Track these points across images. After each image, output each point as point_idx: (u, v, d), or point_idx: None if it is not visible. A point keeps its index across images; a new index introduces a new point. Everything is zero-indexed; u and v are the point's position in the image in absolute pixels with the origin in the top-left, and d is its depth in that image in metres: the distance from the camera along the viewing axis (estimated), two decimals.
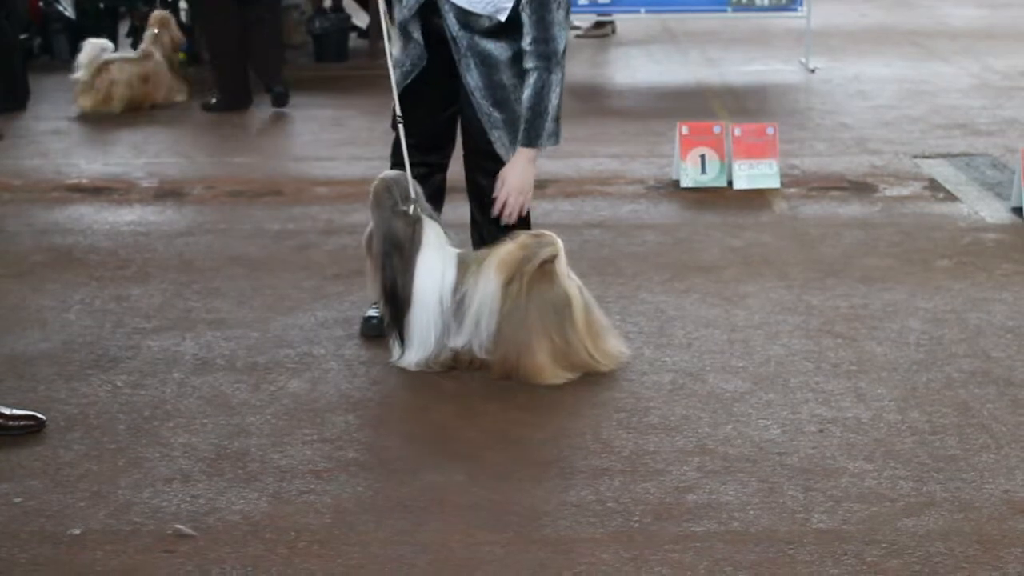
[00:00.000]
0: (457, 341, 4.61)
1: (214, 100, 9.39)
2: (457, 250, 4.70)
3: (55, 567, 3.46)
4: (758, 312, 5.26)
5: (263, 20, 9.39)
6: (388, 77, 4.82)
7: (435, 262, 4.61)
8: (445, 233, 4.70)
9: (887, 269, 5.77)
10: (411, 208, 4.63)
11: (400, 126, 4.76)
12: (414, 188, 4.67)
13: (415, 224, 4.62)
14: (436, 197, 4.98)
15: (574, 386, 4.54)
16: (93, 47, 9.38)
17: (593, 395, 4.49)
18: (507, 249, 4.54)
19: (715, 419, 4.29)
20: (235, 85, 9.38)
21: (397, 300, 4.62)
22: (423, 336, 4.63)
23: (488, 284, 4.51)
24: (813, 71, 10.69)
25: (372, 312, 5.00)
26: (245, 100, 9.44)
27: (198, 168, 7.83)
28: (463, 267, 4.62)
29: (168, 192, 7.27)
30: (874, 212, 6.70)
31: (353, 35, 12.22)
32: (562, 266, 4.56)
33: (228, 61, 9.39)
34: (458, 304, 4.58)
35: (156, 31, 9.64)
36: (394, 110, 4.78)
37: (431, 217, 4.69)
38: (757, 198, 6.91)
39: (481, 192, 4.94)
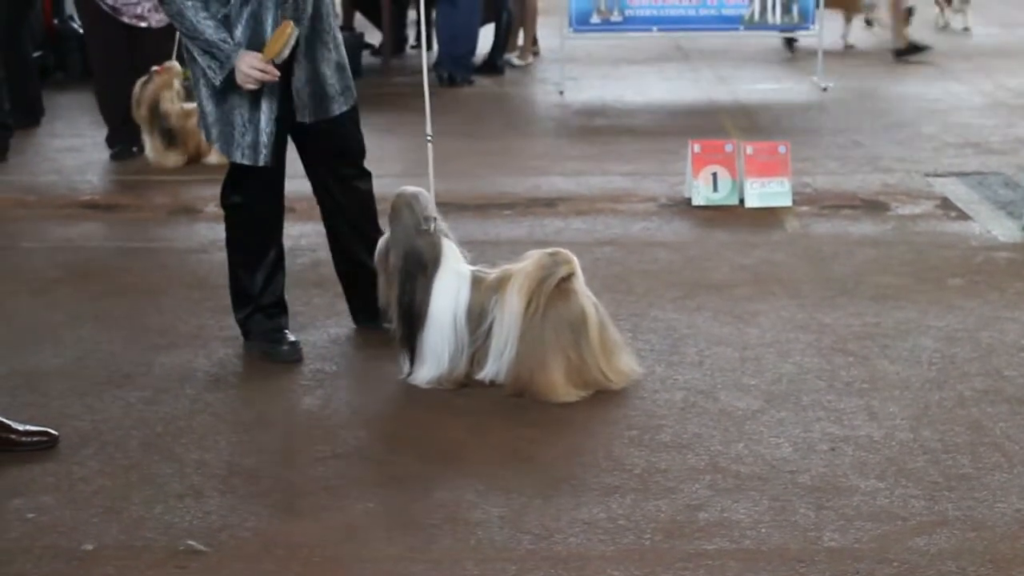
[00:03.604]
0: (482, 372, 4.62)
1: (114, 148, 8.52)
2: (471, 268, 4.71)
3: None
4: (770, 330, 5.26)
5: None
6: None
7: (451, 281, 4.63)
8: (461, 251, 4.72)
9: (899, 287, 5.76)
10: (432, 226, 4.65)
11: (430, 145, 4.79)
12: (434, 206, 4.69)
13: (437, 244, 4.64)
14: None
15: (586, 404, 4.54)
16: None
17: (605, 413, 4.49)
18: (525, 272, 4.55)
19: (727, 437, 4.29)
20: (120, 119, 8.42)
21: (413, 318, 4.63)
22: (436, 354, 4.63)
23: (512, 316, 4.52)
24: (825, 89, 10.69)
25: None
26: (135, 136, 8.46)
27: (210, 185, 7.84)
28: (477, 286, 4.64)
29: (181, 209, 7.29)
30: (886, 230, 6.70)
31: (366, 52, 12.25)
32: (579, 284, 4.57)
33: (112, 92, 8.42)
34: (485, 335, 4.59)
35: None
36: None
37: (447, 235, 4.71)
38: (769, 216, 6.91)
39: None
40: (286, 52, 4.69)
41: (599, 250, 6.36)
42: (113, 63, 8.38)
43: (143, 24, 8.28)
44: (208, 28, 4.66)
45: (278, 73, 4.69)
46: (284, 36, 4.66)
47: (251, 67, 4.63)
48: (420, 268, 4.63)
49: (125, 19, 8.24)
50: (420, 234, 4.64)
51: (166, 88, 8.18)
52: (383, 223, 5.04)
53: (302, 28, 4.79)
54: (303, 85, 4.86)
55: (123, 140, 8.51)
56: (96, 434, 4.35)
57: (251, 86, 4.68)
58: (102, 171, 8.25)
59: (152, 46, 8.32)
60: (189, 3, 4.65)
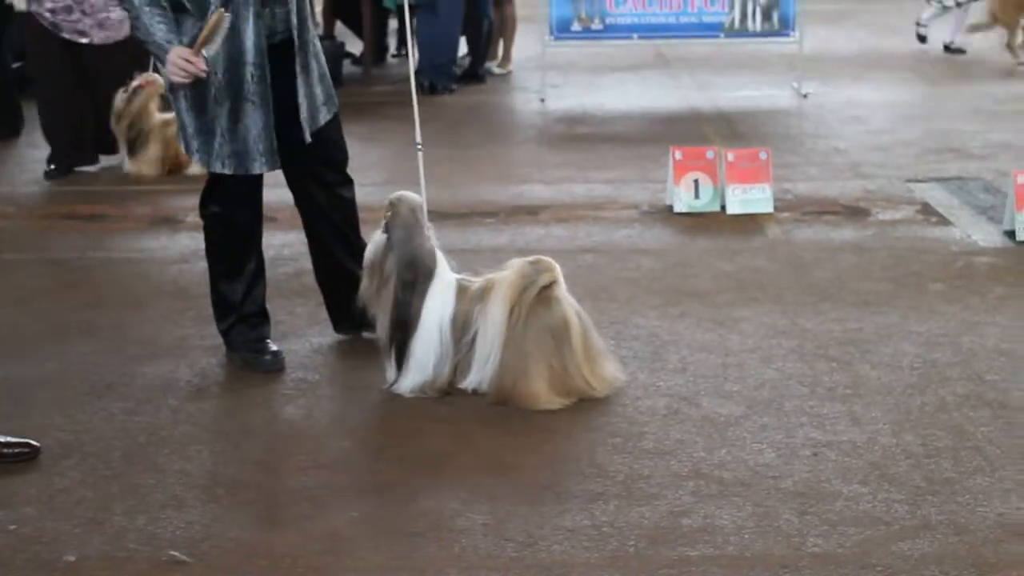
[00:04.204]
0: (466, 381, 4.62)
1: (50, 167, 8.33)
2: (456, 276, 4.71)
3: None
4: (752, 336, 5.27)
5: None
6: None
7: (440, 291, 4.63)
8: (448, 260, 4.73)
9: (880, 293, 5.78)
10: (432, 235, 4.66)
11: (420, 153, 4.77)
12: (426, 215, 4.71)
13: (434, 253, 4.65)
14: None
15: (568, 411, 4.54)
16: None
17: (588, 420, 4.49)
18: (507, 281, 4.54)
19: (710, 443, 4.29)
20: (67, 142, 8.33)
21: (406, 326, 4.62)
22: (422, 362, 4.63)
23: (495, 325, 4.52)
24: (806, 96, 10.73)
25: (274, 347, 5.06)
26: (83, 155, 8.45)
27: (191, 196, 7.82)
28: (461, 294, 4.64)
29: (162, 219, 7.27)
30: (867, 236, 6.72)
31: (346, 61, 12.25)
32: (561, 291, 4.57)
33: (56, 118, 8.31)
34: (469, 345, 4.59)
35: None
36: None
37: (435, 244, 4.71)
38: (750, 223, 6.93)
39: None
40: (217, 40, 4.60)
41: (581, 258, 6.37)
42: (55, 81, 8.23)
43: (84, 40, 8.14)
44: (159, 31, 4.63)
45: (204, 66, 4.63)
46: (210, 26, 4.57)
47: (178, 56, 4.60)
48: (420, 276, 4.62)
49: (65, 35, 8.11)
50: (423, 241, 4.64)
51: (152, 101, 8.17)
52: (365, 231, 5.04)
53: (295, 44, 4.78)
54: (302, 99, 4.86)
55: (61, 160, 8.32)
56: (78, 445, 4.34)
57: (179, 79, 4.64)
58: (82, 182, 8.22)
59: (96, 62, 8.19)
60: (147, 8, 4.63)
